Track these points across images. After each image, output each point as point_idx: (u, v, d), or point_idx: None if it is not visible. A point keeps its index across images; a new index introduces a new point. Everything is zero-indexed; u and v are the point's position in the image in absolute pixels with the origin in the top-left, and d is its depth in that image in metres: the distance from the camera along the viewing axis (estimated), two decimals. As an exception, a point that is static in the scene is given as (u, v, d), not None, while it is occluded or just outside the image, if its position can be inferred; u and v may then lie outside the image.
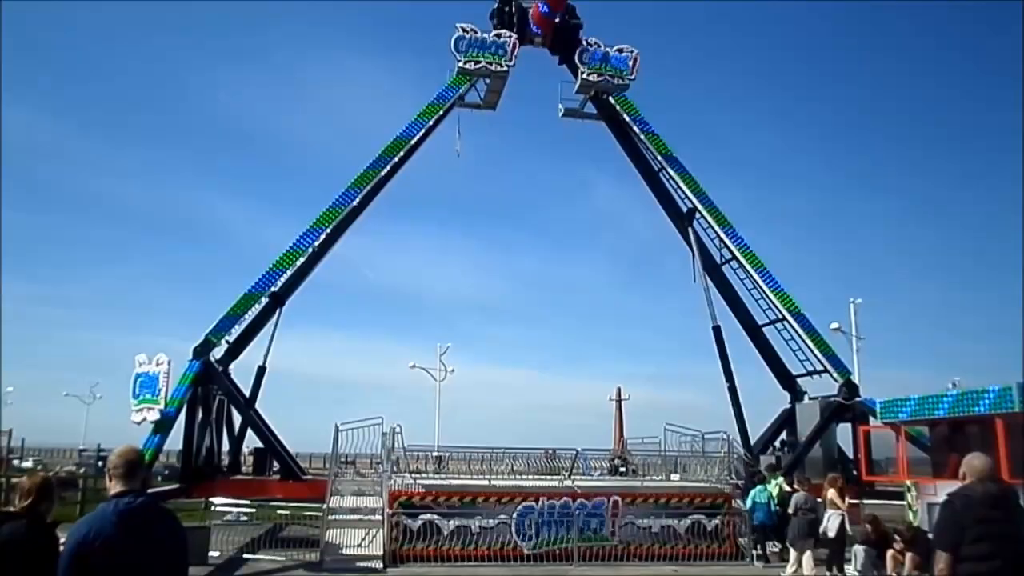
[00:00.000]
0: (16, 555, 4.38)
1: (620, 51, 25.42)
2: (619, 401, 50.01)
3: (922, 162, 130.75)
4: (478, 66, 24.55)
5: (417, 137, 24.47)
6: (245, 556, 16.42)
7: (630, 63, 25.34)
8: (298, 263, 23.34)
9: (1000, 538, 5.10)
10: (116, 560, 3.78)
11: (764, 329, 25.56)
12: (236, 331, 22.83)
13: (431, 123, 24.68)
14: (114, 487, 4.03)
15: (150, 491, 19.11)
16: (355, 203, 23.82)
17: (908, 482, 15.84)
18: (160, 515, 4.08)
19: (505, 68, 24.70)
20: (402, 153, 24.29)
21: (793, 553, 15.87)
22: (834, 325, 32.92)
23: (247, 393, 23.33)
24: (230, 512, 18.04)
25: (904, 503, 15.91)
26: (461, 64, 24.54)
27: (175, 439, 21.28)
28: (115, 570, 3.78)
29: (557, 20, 25.41)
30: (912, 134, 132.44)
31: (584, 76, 25.19)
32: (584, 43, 25.35)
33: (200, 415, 21.95)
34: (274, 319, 23.78)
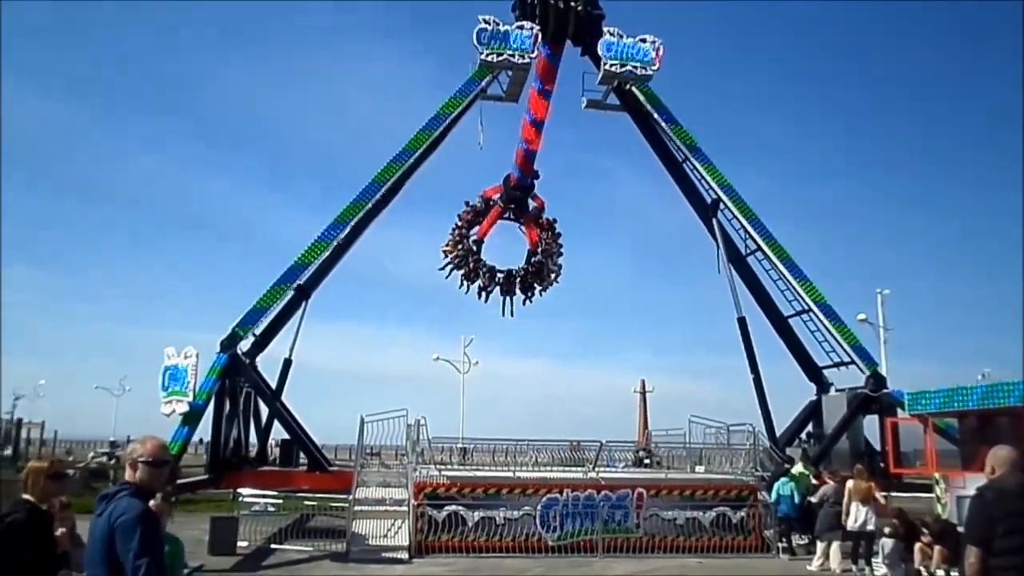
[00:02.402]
0: (15, 540, 4.54)
1: (643, 41, 25.15)
2: (643, 393, 49.60)
3: (950, 150, 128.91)
4: (500, 59, 24.42)
5: (440, 130, 24.53)
6: (272, 546, 16.58)
7: (653, 53, 25.09)
8: (323, 256, 23.57)
9: None
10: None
11: (790, 320, 25.40)
12: (263, 324, 23.14)
13: (453, 116, 24.70)
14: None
15: (179, 482, 19.57)
16: (379, 196, 23.98)
17: (936, 475, 15.66)
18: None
19: (528, 60, 24.56)
20: (425, 146, 24.39)
21: (820, 545, 15.81)
22: (861, 316, 32.59)
23: (273, 385, 23.67)
24: (258, 503, 18.19)
25: (932, 496, 15.75)
26: (483, 57, 24.42)
27: (203, 430, 21.74)
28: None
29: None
30: (944, 120, 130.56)
31: (607, 67, 24.98)
32: (607, 33, 25.13)
33: (228, 407, 22.35)
34: (300, 312, 24.07)
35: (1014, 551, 4.92)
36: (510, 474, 18.00)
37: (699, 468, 20.07)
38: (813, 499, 16.67)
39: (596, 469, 19.19)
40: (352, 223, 23.68)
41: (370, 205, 23.91)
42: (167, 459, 4.24)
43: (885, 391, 23.03)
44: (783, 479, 17.84)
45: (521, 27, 24.67)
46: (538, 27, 24.73)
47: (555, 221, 28.90)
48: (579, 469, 19.48)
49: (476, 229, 28.12)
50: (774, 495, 17.64)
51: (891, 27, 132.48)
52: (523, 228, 28.87)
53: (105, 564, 3.78)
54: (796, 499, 17.39)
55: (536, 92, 25.84)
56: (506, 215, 28.62)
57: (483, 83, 25.06)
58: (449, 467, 18.59)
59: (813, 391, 25.16)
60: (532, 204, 28.69)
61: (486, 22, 24.47)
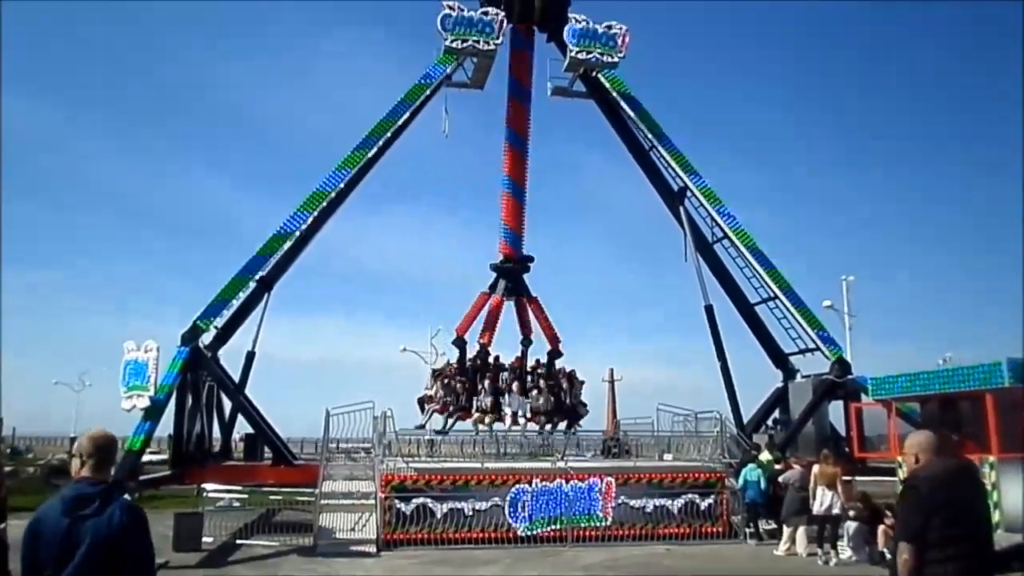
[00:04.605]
0: None
1: (608, 27, 25.26)
2: (612, 382, 50.68)
3: (913, 136, 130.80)
4: (465, 45, 24.37)
5: (404, 118, 24.44)
6: (239, 541, 16.56)
7: (619, 40, 25.24)
8: (285, 247, 23.41)
9: (969, 518, 4.90)
10: (56, 548, 3.78)
11: (756, 308, 25.77)
12: (225, 316, 22.96)
13: (418, 103, 24.62)
14: (80, 472, 4.03)
15: (141, 478, 19.43)
16: (341, 186, 23.84)
17: (899, 458, 16.06)
18: (113, 506, 3.91)
19: (493, 47, 24.55)
20: (389, 134, 24.29)
21: (786, 530, 16.18)
22: (826, 303, 33.10)
23: (237, 379, 23.52)
24: (222, 498, 18.15)
25: (896, 479, 16.16)
26: (448, 43, 24.36)
27: (166, 425, 21.49)
28: (58, 559, 3.77)
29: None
30: (907, 107, 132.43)
31: (572, 54, 25.08)
32: (572, 20, 25.19)
33: (190, 401, 22.12)
34: (263, 304, 23.90)
35: (955, 540, 4.78)
36: (478, 465, 18.15)
37: (667, 456, 20.37)
38: (780, 484, 17.04)
39: (564, 459, 19.41)
40: (314, 213, 23.53)
41: (333, 195, 23.74)
42: (112, 445, 4.23)
43: (850, 377, 23.32)
44: (750, 465, 18.19)
45: (486, 13, 24.65)
46: (503, 13, 24.73)
47: (574, 372, 24.52)
48: (548, 459, 19.69)
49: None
50: (741, 481, 17.98)
51: (877, 19, 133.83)
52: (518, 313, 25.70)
53: (106, 567, 3.82)
54: (763, 485, 17.75)
55: (516, 103, 25.81)
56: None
57: (448, 70, 25.00)
58: (417, 459, 18.68)
59: (780, 378, 25.59)
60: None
61: (450, 8, 24.37)
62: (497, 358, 24.20)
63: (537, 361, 24.76)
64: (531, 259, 26.26)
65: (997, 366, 13.77)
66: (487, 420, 22.47)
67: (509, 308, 25.55)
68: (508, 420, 22.62)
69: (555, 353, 24.93)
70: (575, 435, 22.64)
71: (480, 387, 23.10)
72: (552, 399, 23.24)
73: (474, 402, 22.80)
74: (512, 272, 25.79)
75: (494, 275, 25.90)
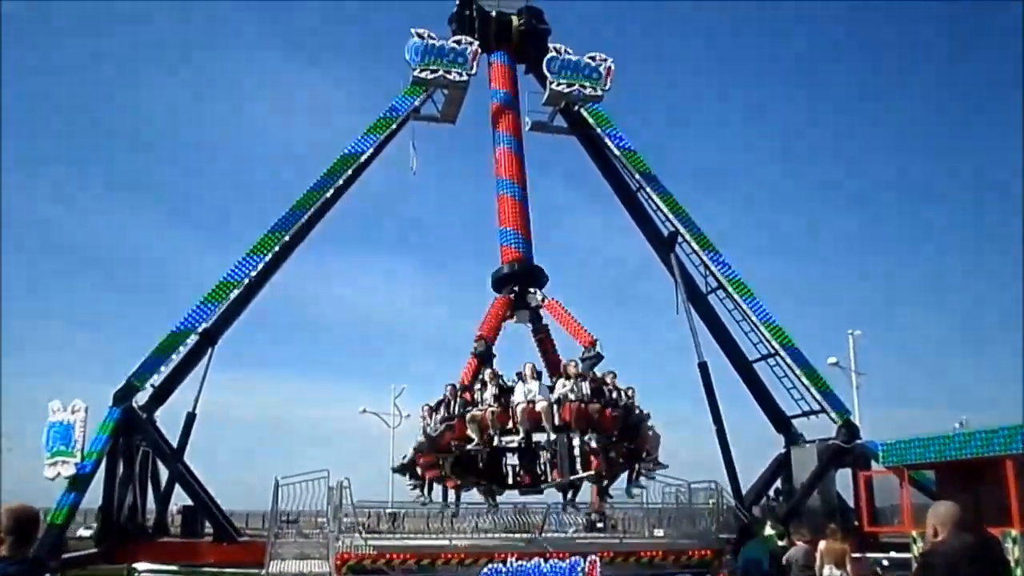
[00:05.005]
0: None
1: (592, 59, 25.79)
2: None
3: (923, 183, 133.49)
4: (435, 75, 24.73)
5: (367, 154, 24.61)
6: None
7: (603, 72, 25.70)
8: (232, 296, 23.29)
9: None
10: None
11: (755, 365, 25.81)
12: (163, 373, 22.68)
13: (383, 138, 24.86)
14: None
15: (65, 556, 19.01)
16: (296, 228, 23.86)
17: (914, 532, 16.08)
18: None
19: (465, 77, 24.91)
20: (350, 172, 24.43)
21: (790, 614, 16.03)
22: (831, 360, 33.42)
23: (175, 444, 23.02)
24: (156, 580, 17.81)
25: (910, 556, 16.14)
26: (416, 73, 24.70)
27: (94, 496, 21.15)
28: None
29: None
30: (920, 153, 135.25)
31: (553, 86, 25.51)
32: (552, 50, 25.67)
33: (121, 469, 21.80)
34: (205, 359, 23.59)
35: None
36: (446, 542, 17.92)
37: (658, 531, 20.22)
38: (785, 561, 16.94)
39: (544, 534, 19.21)
40: (265, 259, 23.52)
41: (287, 238, 23.78)
42: (35, 520, 4.18)
43: (858, 442, 23.42)
44: (750, 542, 18.05)
45: (458, 42, 25.04)
46: (477, 42, 25.14)
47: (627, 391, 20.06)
48: (525, 535, 19.46)
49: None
50: (741, 560, 17.83)
51: (879, 57, 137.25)
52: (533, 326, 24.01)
53: None
54: (765, 565, 17.60)
55: (508, 152, 25.27)
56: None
57: (416, 102, 25.31)
58: (377, 535, 18.42)
59: (781, 443, 25.46)
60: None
61: (419, 35, 24.79)
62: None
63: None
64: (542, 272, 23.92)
65: (1019, 429, 13.89)
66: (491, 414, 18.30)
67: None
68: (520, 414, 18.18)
69: (593, 357, 20.87)
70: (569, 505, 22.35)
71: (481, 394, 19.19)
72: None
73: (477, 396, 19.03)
74: (524, 278, 23.74)
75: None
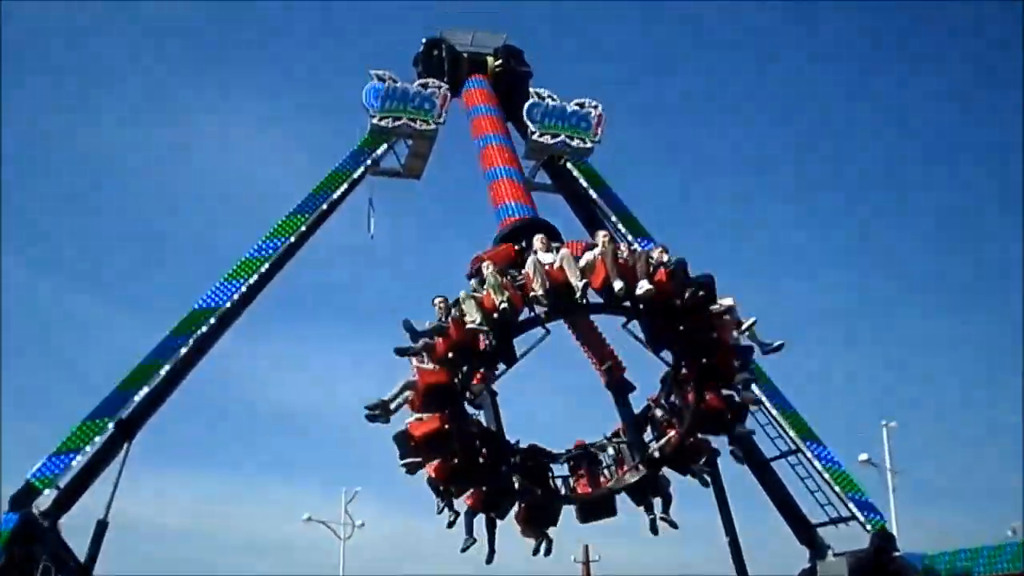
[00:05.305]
0: None
1: (580, 105, 24.95)
2: (587, 563, 50.43)
3: (958, 250, 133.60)
4: (398, 123, 24.09)
5: (317, 214, 23.94)
6: None
7: (593, 121, 24.85)
8: (155, 381, 22.20)
9: None
10: None
11: (773, 464, 24.49)
12: (70, 472, 21.55)
13: (336, 196, 24.18)
14: None
15: None
16: (232, 302, 22.95)
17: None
18: None
19: (433, 126, 24.32)
20: (295, 237, 23.66)
21: None
22: (863, 456, 32.94)
23: (82, 557, 21.69)
24: None
25: None
26: (376, 121, 24.08)
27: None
28: None
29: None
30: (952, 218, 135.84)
31: (535, 137, 24.62)
32: (534, 95, 24.95)
33: (18, 587, 20.58)
34: (122, 454, 22.34)
35: None
36: None
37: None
38: None
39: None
40: (196, 336, 22.48)
41: (222, 312, 22.80)
42: None
43: (896, 554, 22.45)
44: None
45: (425, 85, 24.57)
46: (446, 85, 24.65)
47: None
48: None
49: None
50: None
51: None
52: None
53: None
54: None
55: (501, 147, 22.66)
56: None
57: (376, 154, 24.74)
58: None
59: (806, 556, 24.22)
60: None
61: (379, 77, 24.23)
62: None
63: None
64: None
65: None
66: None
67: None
68: None
69: (622, 386, 18.32)
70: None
71: None
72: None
73: None
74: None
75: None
